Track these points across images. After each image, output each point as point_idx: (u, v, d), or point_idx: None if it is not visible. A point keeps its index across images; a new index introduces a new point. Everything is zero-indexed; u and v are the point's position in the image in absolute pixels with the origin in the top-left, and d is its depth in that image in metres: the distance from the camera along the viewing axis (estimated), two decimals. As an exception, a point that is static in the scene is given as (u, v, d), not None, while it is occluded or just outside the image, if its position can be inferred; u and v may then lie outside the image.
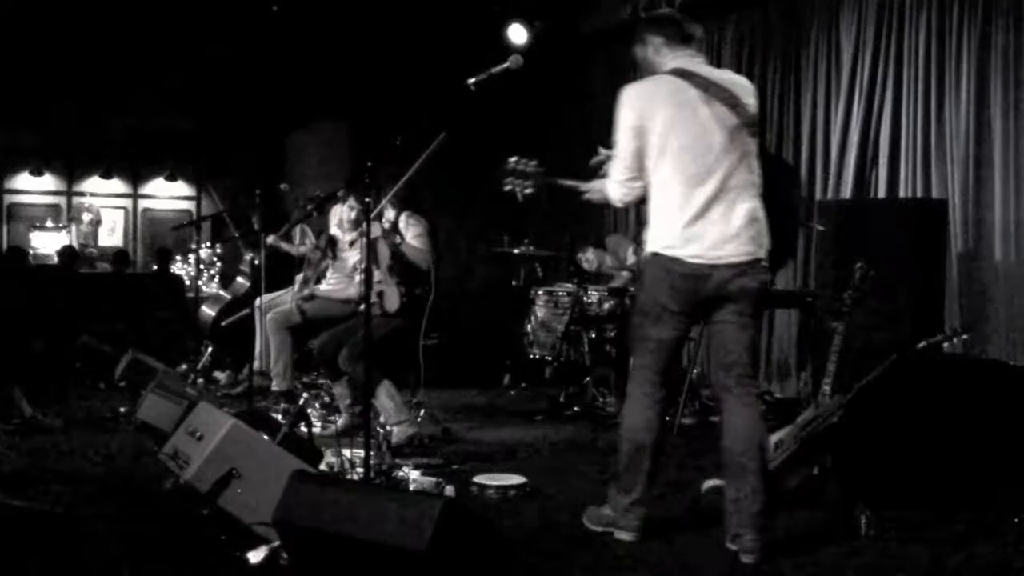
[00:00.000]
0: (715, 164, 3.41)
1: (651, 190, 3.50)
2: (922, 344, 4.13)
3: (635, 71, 3.83)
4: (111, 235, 13.01)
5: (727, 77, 3.58)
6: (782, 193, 3.67)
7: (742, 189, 3.45)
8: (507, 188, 3.76)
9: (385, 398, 5.17)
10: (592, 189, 3.73)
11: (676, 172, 3.42)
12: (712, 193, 3.40)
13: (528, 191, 3.75)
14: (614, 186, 3.57)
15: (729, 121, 3.44)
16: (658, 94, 3.47)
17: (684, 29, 3.61)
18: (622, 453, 3.59)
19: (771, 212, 3.56)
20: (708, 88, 3.45)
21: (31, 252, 11.49)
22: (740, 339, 3.48)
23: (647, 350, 3.56)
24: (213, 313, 7.48)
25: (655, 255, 3.48)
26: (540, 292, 7.49)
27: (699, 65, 3.54)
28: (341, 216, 5.93)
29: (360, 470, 3.91)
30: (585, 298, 6.88)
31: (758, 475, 3.39)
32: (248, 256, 7.44)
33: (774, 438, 4.31)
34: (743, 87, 3.55)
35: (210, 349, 7.35)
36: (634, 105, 3.48)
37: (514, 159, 3.74)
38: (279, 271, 6.75)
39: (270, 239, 6.74)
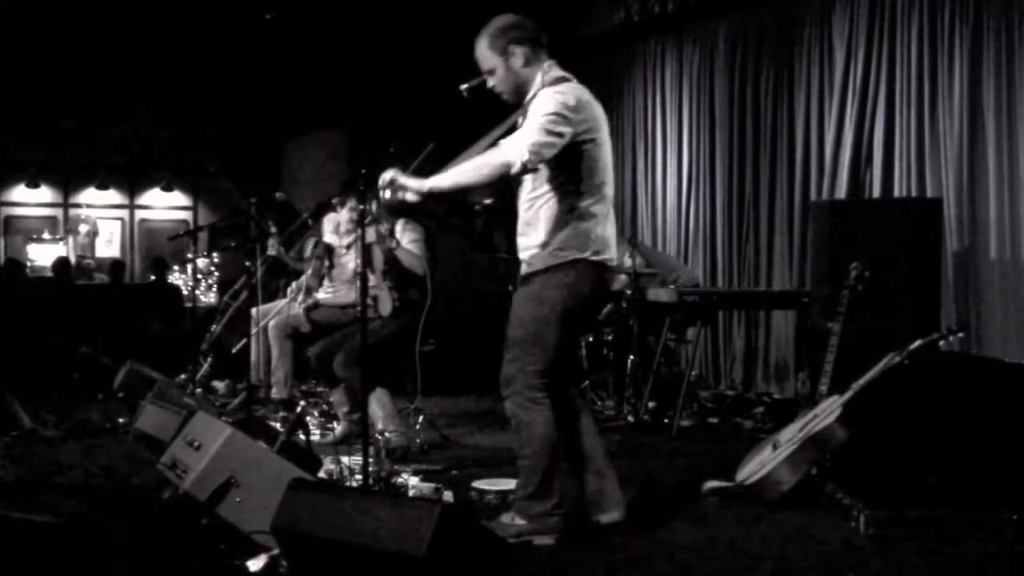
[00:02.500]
0: (611, 168, 3.62)
1: (573, 196, 3.46)
2: (918, 343, 4.14)
3: (537, 80, 3.53)
4: (108, 246, 13.02)
5: None
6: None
7: None
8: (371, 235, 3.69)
9: (376, 406, 5.17)
10: (463, 176, 3.36)
11: (603, 179, 3.52)
12: (612, 196, 3.61)
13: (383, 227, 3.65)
14: (526, 145, 3.30)
15: None
16: (595, 102, 3.55)
17: (542, 34, 3.60)
18: (544, 463, 3.49)
19: None
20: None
21: (28, 264, 11.50)
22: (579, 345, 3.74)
23: (550, 354, 3.49)
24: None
25: (580, 260, 3.47)
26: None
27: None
28: (338, 221, 5.93)
29: (359, 477, 3.92)
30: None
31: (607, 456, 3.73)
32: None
33: (771, 439, 4.33)
34: None
35: (210, 359, 7.33)
36: (587, 108, 3.47)
37: (381, 196, 3.45)
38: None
39: (272, 250, 6.70)
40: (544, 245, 3.50)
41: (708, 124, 8.15)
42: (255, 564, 3.19)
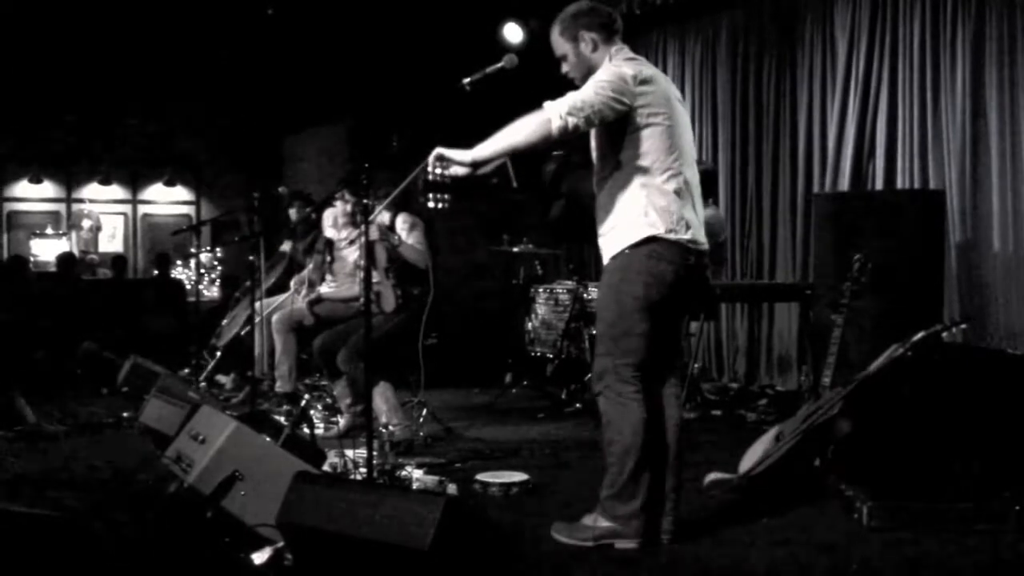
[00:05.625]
0: (691, 151, 3.49)
1: (643, 175, 3.34)
2: (921, 335, 4.14)
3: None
4: (111, 241, 13.03)
5: None
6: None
7: None
8: (431, 205, 3.75)
9: (379, 400, 5.18)
10: (505, 139, 3.30)
11: (676, 158, 3.37)
12: (693, 179, 3.46)
13: (446, 204, 3.76)
14: (568, 102, 3.22)
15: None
16: (663, 78, 3.44)
17: (616, 19, 3.52)
18: (632, 463, 3.36)
19: None
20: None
21: (32, 259, 11.51)
22: (682, 333, 3.61)
23: (639, 346, 3.37)
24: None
25: (655, 239, 3.32)
26: (540, 290, 7.50)
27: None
28: (335, 215, 5.94)
29: (363, 470, 3.93)
30: (585, 295, 6.89)
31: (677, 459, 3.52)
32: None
33: (774, 431, 4.33)
34: None
35: (217, 355, 7.33)
36: (649, 83, 3.33)
37: (430, 173, 3.42)
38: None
39: (285, 246, 6.70)
40: (616, 227, 3.40)
41: (710, 117, 8.14)
42: (260, 557, 3.20)
